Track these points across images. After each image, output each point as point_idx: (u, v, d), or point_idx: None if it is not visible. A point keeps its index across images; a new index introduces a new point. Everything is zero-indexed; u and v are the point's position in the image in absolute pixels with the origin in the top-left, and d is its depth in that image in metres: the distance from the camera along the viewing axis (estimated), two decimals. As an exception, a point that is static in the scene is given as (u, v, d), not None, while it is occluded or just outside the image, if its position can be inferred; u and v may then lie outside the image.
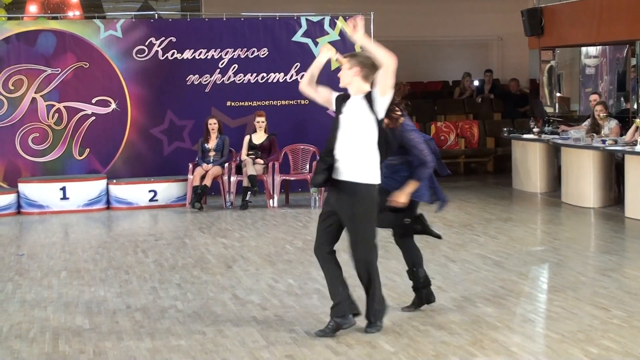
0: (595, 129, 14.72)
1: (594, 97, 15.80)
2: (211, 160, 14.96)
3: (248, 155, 15.04)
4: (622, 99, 18.53)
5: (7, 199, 14.91)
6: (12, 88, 15.52)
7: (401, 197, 7.54)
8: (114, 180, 15.45)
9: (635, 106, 17.05)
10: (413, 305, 7.98)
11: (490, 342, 7.01)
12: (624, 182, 13.28)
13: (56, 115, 15.70)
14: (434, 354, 6.75)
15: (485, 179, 18.58)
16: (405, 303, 8.17)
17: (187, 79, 16.15)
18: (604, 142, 13.89)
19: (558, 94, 19.91)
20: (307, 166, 15.60)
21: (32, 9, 20.22)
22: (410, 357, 6.69)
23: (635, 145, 13.15)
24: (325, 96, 7.58)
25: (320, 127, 15.84)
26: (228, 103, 16.26)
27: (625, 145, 13.46)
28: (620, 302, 8.15)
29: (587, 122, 15.25)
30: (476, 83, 21.30)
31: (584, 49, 19.29)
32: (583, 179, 14.19)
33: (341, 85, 7.43)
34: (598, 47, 18.96)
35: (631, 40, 16.96)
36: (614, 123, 14.66)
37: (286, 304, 8.39)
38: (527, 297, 8.65)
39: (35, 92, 15.60)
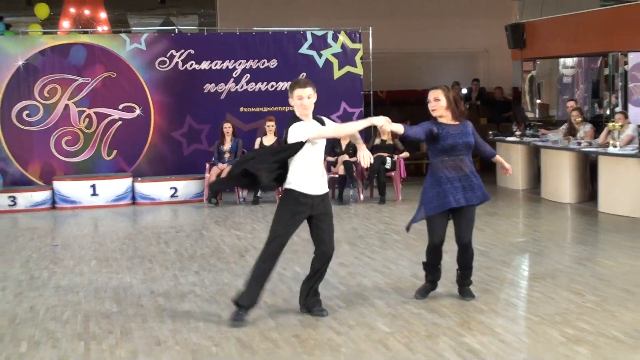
0: (572, 132, 14.74)
1: (570, 103, 15.81)
2: (226, 161, 14.97)
3: (259, 155, 15.03)
4: (596, 105, 18.52)
5: (43, 195, 14.95)
6: (47, 95, 15.55)
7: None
8: (139, 179, 15.48)
9: (607, 112, 17.04)
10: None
11: (476, 324, 7.03)
12: (597, 180, 13.28)
13: (87, 120, 15.73)
14: (426, 334, 6.76)
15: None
16: (401, 289, 8.19)
17: (204, 87, 16.17)
18: (579, 144, 13.92)
19: (538, 101, 19.91)
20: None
21: (65, 24, 20.27)
22: (404, 337, 6.71)
23: (608, 147, 13.16)
24: None
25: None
26: (241, 109, 16.28)
27: (598, 147, 13.47)
28: (593, 288, 8.16)
29: (564, 126, 15.26)
30: (464, 91, 21.26)
31: (561, 60, 19.27)
32: (560, 177, 14.20)
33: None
34: (574, 58, 18.95)
35: (604, 52, 16.98)
36: (588, 127, 14.67)
37: (293, 290, 8.39)
38: (510, 284, 8.65)
39: (68, 99, 15.63)
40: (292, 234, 7.31)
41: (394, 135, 15.44)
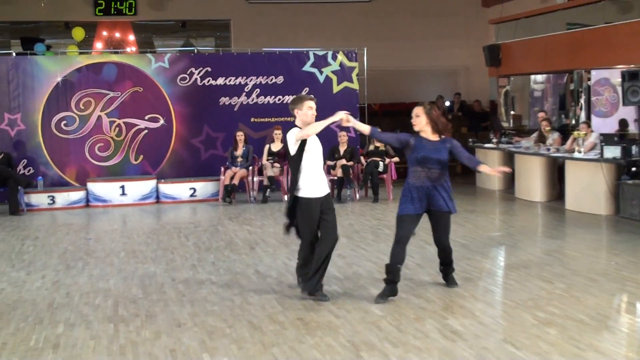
0: (542, 139, 14.68)
1: (541, 114, 15.75)
2: (239, 164, 14.92)
3: (268, 160, 15.02)
4: (562, 116, 18.47)
5: (78, 195, 14.91)
6: (82, 107, 15.51)
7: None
8: (162, 180, 15.43)
9: (573, 121, 17.00)
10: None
11: (458, 308, 6.99)
12: (564, 181, 13.24)
13: (117, 128, 15.68)
14: (415, 317, 6.72)
15: (454, 179, 18.36)
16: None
17: (219, 101, 16.13)
18: (548, 150, 13.88)
19: (512, 112, 19.85)
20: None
21: (99, 45, 20.27)
22: (395, 319, 6.66)
23: (573, 152, 13.12)
24: None
25: (323, 138, 15.74)
26: (252, 119, 16.24)
27: (565, 153, 13.44)
28: (562, 277, 8.11)
29: (535, 134, 15.20)
30: (447, 103, 21.22)
31: (532, 76, 19.22)
32: (532, 179, 14.16)
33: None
34: (543, 75, 18.91)
35: (570, 69, 16.94)
36: (556, 135, 14.61)
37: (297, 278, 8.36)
38: (488, 273, 8.61)
39: (100, 111, 15.58)
40: (316, 230, 7.40)
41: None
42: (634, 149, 12.17)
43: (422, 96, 21.99)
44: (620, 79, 12.59)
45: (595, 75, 16.06)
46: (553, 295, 7.35)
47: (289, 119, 16.00)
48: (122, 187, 15.04)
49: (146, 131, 15.82)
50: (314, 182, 7.37)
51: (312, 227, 7.38)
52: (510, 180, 15.60)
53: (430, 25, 21.62)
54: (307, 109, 7.45)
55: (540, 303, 7.07)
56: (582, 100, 16.79)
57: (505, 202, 14.48)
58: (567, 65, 16.36)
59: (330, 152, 15.07)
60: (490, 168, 7.69)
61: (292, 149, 7.45)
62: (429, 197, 7.38)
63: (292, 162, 7.51)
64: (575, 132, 13.42)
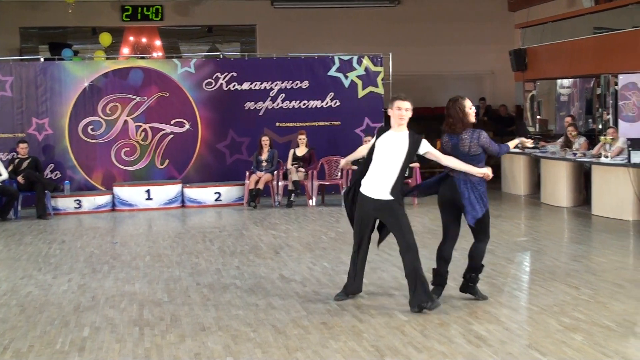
0: (568, 144, 14.58)
1: (567, 119, 15.66)
2: (263, 169, 14.96)
3: (292, 165, 15.04)
4: (589, 120, 18.34)
5: (105, 199, 15.02)
6: (109, 112, 15.64)
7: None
8: (188, 184, 15.50)
9: (600, 126, 16.87)
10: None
11: (483, 313, 6.95)
12: (591, 186, 13.14)
13: (143, 133, 15.79)
14: (439, 322, 6.69)
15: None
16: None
17: (245, 105, 16.19)
18: (574, 155, 13.79)
19: (538, 117, 19.75)
20: (339, 174, 15.57)
21: (125, 50, 20.44)
22: (419, 324, 6.64)
23: (600, 157, 13.02)
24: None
25: (349, 143, 15.86)
26: (277, 124, 16.27)
27: (592, 158, 13.34)
28: (587, 282, 8.05)
29: (561, 139, 15.11)
30: (473, 109, 21.16)
31: (559, 81, 19.10)
32: (558, 184, 14.07)
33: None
34: (570, 79, 18.79)
35: (597, 74, 16.82)
36: (582, 140, 14.51)
37: (322, 282, 8.36)
38: (513, 278, 8.56)
39: (127, 115, 15.70)
40: (364, 232, 7.41)
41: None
42: (662, 153, 12.06)
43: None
44: (648, 84, 12.48)
45: (623, 79, 15.91)
46: (579, 301, 7.29)
47: (313, 123, 16.20)
48: (148, 191, 15.13)
49: (172, 136, 15.91)
50: (372, 182, 7.22)
51: (360, 225, 7.30)
52: (536, 185, 15.51)
53: (456, 29, 21.56)
54: (396, 109, 7.31)
55: (565, 309, 7.02)
56: (609, 105, 16.66)
57: (530, 207, 14.39)
58: (594, 70, 16.25)
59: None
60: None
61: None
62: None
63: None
64: (603, 137, 13.31)
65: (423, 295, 6.99)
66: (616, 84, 16.28)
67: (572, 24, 17.45)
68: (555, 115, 19.63)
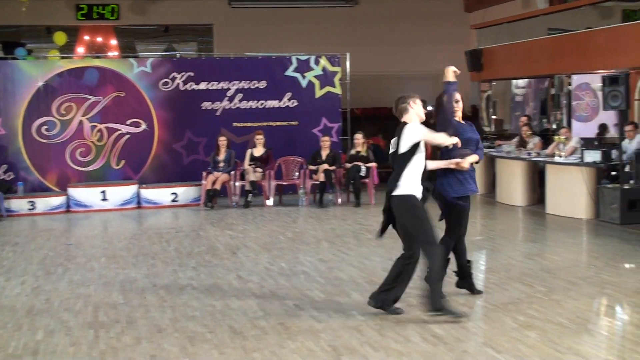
0: (523, 144, 14.76)
1: (522, 119, 15.85)
2: (221, 169, 14.90)
3: (250, 165, 15.01)
4: (543, 120, 18.59)
5: (59, 200, 14.83)
6: (63, 112, 15.44)
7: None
8: (144, 185, 15.38)
9: (554, 126, 17.11)
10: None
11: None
12: (545, 185, 13.31)
13: (98, 133, 15.62)
14: (395, 321, 6.73)
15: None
16: (373, 282, 8.16)
17: (202, 105, 16.10)
18: (529, 154, 13.96)
19: (493, 117, 19.96)
20: (296, 173, 15.58)
21: (80, 50, 20.17)
22: (376, 324, 6.67)
23: (554, 157, 13.20)
24: None
25: (306, 143, 15.93)
26: (234, 124, 16.21)
27: (546, 157, 13.51)
28: (542, 280, 8.15)
29: (516, 139, 15.28)
30: (430, 108, 21.28)
31: (514, 81, 19.34)
32: (513, 183, 14.23)
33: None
34: (525, 80, 19.02)
35: (551, 74, 17.05)
36: (537, 139, 14.69)
37: (279, 283, 8.36)
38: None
39: (82, 116, 15.52)
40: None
41: (368, 146, 15.46)
42: (614, 153, 12.27)
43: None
44: (600, 84, 12.68)
45: (576, 80, 16.18)
46: (533, 299, 7.39)
47: (271, 123, 16.17)
48: (103, 192, 14.97)
49: (128, 136, 15.76)
50: (416, 185, 6.81)
51: (430, 220, 6.78)
52: (491, 184, 15.66)
53: (413, 30, 21.67)
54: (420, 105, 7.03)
55: (520, 306, 7.10)
56: (563, 105, 16.91)
57: (486, 206, 14.52)
58: (548, 70, 16.46)
59: (312, 157, 15.12)
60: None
61: (406, 146, 6.76)
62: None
63: (399, 159, 6.82)
64: (557, 137, 13.50)
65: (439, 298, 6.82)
66: (570, 84, 16.54)
67: (527, 24, 17.67)
68: (510, 115, 19.87)
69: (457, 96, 7.57)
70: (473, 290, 7.59)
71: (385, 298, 6.95)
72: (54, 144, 15.43)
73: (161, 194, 15.23)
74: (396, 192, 6.78)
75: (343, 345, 6.14)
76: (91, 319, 7.14)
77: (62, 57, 17.26)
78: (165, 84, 15.92)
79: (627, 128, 12.73)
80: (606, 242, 10.42)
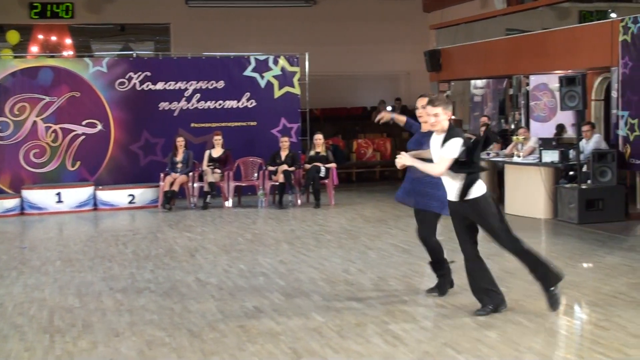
0: (482, 144, 14.85)
1: (483, 119, 15.98)
2: (178, 170, 14.79)
3: (208, 166, 14.92)
4: (502, 120, 18.77)
5: (13, 202, 14.61)
6: (17, 113, 15.21)
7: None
8: (100, 187, 15.21)
9: (512, 126, 17.27)
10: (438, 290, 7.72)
11: (400, 313, 7.01)
12: (504, 185, 13.43)
13: (53, 134, 15.41)
14: (356, 323, 6.72)
15: (396, 184, 18.40)
16: (333, 283, 8.16)
17: (159, 105, 15.97)
18: (488, 154, 14.05)
19: (452, 117, 20.08)
20: (255, 174, 15.53)
21: (34, 49, 19.93)
22: (337, 325, 6.66)
23: (512, 157, 13.33)
24: None
25: (265, 143, 15.89)
26: (192, 124, 16.11)
27: (505, 157, 13.63)
28: (501, 280, 8.18)
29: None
30: (389, 108, 21.38)
31: (472, 81, 19.49)
32: (472, 184, 14.30)
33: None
34: (483, 80, 19.18)
35: (509, 75, 17.22)
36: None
37: (238, 285, 8.31)
38: (429, 277, 8.62)
39: (36, 116, 15.30)
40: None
41: (327, 147, 15.49)
42: (572, 153, 12.44)
43: (364, 101, 22.19)
44: (558, 84, 12.82)
45: (534, 80, 16.35)
46: (493, 299, 7.42)
47: (229, 124, 16.11)
48: (59, 194, 14.78)
49: (83, 137, 15.57)
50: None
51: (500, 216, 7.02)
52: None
53: (372, 30, 21.77)
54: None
55: (480, 307, 7.13)
56: (521, 105, 17.08)
57: (446, 206, 14.59)
58: (506, 71, 16.63)
59: (271, 158, 15.08)
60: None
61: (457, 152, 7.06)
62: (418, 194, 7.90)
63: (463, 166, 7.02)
64: (515, 137, 13.62)
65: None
66: (527, 84, 16.71)
67: (484, 25, 17.83)
68: (469, 115, 20.01)
69: (419, 101, 7.63)
70: (442, 291, 7.63)
71: (494, 298, 6.98)
72: (7, 145, 15.18)
73: (118, 196, 15.07)
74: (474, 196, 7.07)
75: (303, 347, 6.12)
76: (46, 323, 7.03)
77: (16, 57, 17.05)
78: (122, 84, 15.77)
79: (584, 128, 12.90)
80: (564, 242, 10.55)
